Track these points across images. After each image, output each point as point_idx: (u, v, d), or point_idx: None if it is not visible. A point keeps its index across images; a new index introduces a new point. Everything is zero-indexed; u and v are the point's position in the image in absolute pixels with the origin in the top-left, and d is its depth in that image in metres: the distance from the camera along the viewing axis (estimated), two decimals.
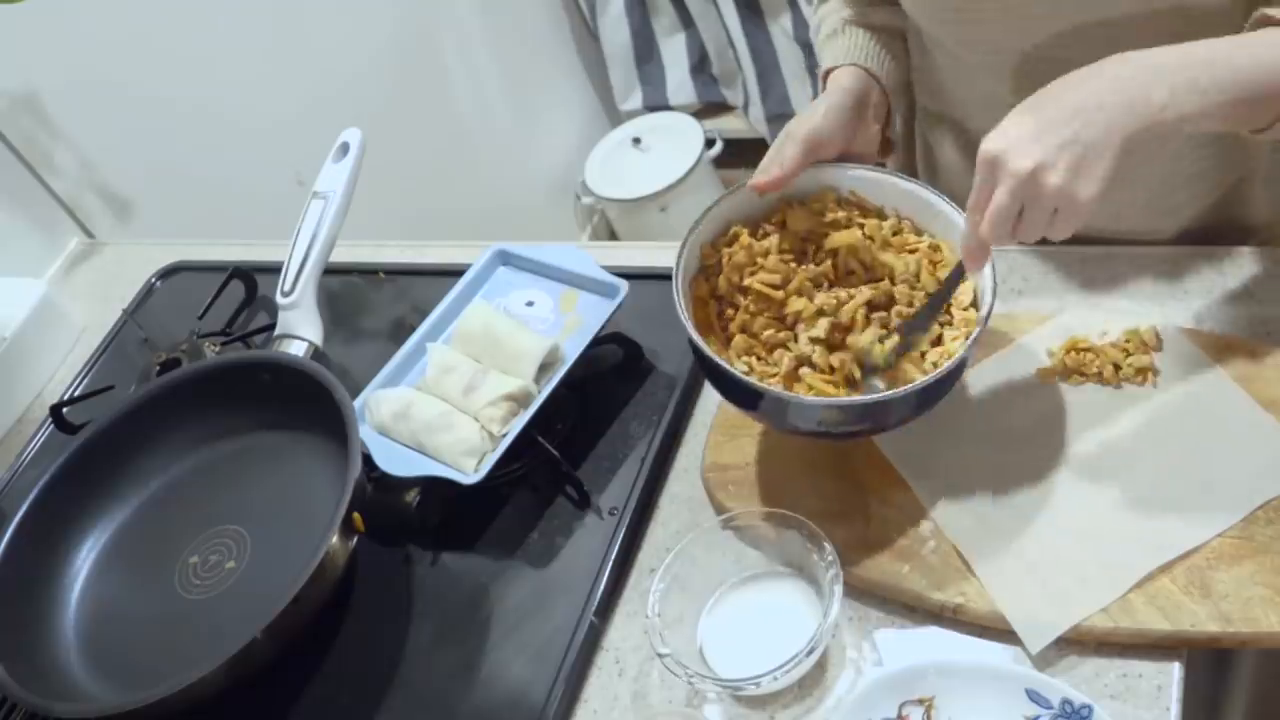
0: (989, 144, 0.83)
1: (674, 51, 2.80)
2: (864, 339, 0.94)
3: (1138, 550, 0.87)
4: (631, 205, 2.69)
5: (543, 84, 2.72)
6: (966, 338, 0.91)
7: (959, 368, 0.91)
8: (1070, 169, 0.80)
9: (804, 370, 0.94)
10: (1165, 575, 0.86)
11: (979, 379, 1.03)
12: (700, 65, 2.81)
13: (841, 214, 1.00)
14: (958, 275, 0.93)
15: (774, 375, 0.94)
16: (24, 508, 1.11)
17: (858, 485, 0.99)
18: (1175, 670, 0.83)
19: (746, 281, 0.97)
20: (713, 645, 0.94)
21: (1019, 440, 0.97)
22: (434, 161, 2.35)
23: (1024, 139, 0.82)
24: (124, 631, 1.08)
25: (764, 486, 1.00)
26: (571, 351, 1.13)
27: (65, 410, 1.32)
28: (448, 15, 2.39)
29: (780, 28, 2.59)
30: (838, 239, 0.98)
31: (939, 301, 0.95)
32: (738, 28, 2.61)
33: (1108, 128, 0.81)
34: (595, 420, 1.12)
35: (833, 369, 0.94)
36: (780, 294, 0.97)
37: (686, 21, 2.75)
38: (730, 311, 0.99)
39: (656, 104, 2.85)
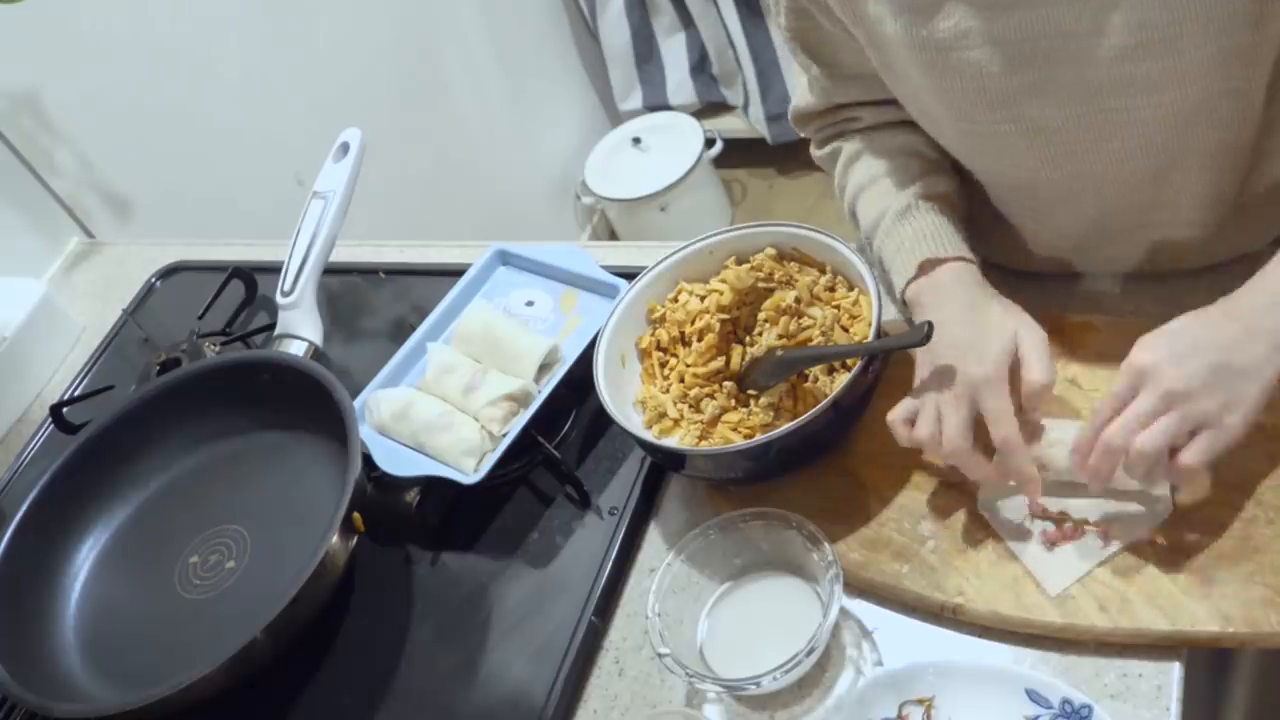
0: (1140, 356, 0.82)
1: (674, 51, 2.80)
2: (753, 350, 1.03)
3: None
4: (631, 205, 2.69)
5: (543, 84, 2.72)
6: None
7: (833, 409, 0.94)
8: (1223, 397, 0.80)
9: (723, 419, 1.02)
10: (1165, 575, 0.86)
11: None
12: (700, 65, 2.81)
13: (780, 271, 1.05)
14: (862, 355, 0.96)
15: (697, 423, 1.03)
16: (24, 508, 1.11)
17: (858, 485, 0.99)
18: (1175, 670, 0.83)
19: (688, 333, 1.06)
20: (713, 645, 0.94)
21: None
22: (434, 161, 2.35)
23: (1179, 355, 0.81)
24: (124, 631, 1.08)
25: (764, 487, 1.00)
26: (571, 351, 1.13)
27: (65, 410, 1.32)
28: (448, 15, 2.39)
29: (780, 28, 2.58)
30: (770, 302, 1.04)
31: (824, 358, 0.99)
32: (738, 28, 2.61)
33: (1259, 362, 0.80)
34: (595, 420, 1.12)
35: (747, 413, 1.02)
36: (708, 365, 1.04)
37: (686, 21, 2.75)
38: (672, 361, 1.07)
39: (656, 104, 2.85)
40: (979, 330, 0.92)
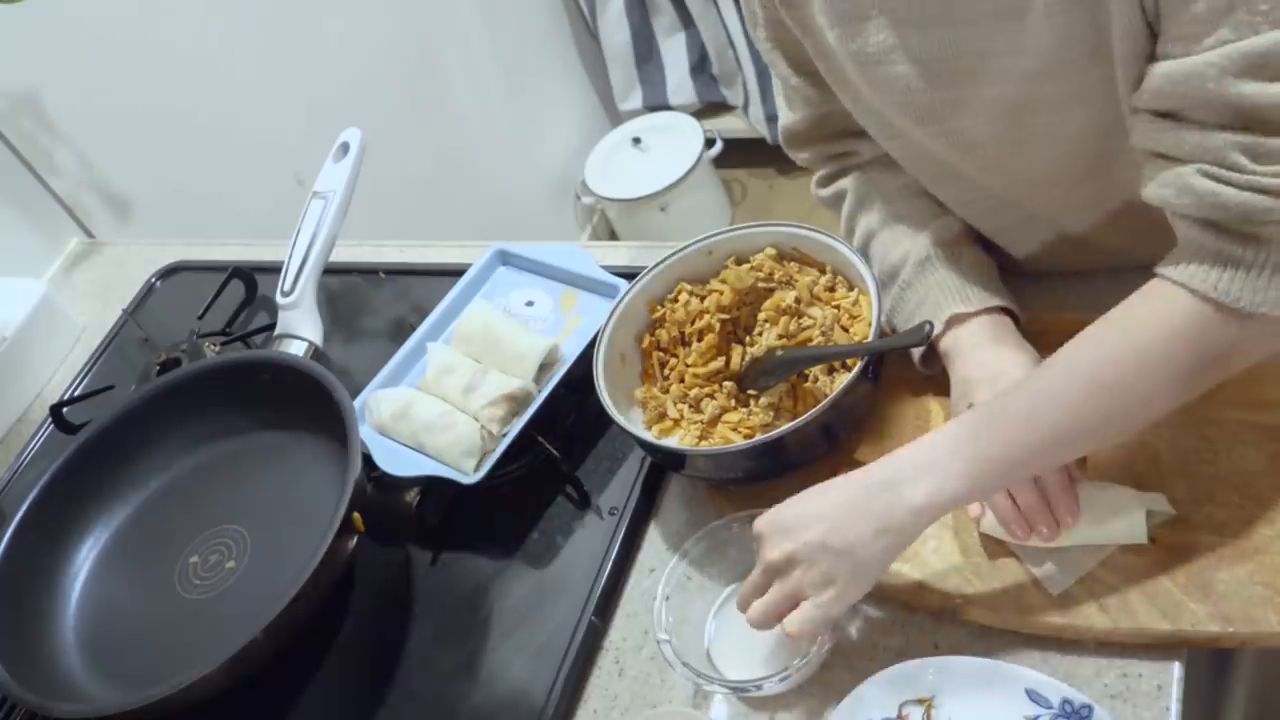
0: (755, 526, 0.87)
1: (674, 51, 2.80)
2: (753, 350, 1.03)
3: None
4: (631, 205, 2.69)
5: (543, 84, 2.72)
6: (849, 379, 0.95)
7: (833, 409, 0.94)
8: (818, 575, 0.84)
9: (723, 419, 1.02)
10: (1165, 575, 0.86)
11: None
12: (700, 65, 2.81)
13: (780, 271, 1.05)
14: (862, 355, 0.96)
15: (697, 423, 1.03)
16: (24, 508, 1.11)
17: None
18: (1175, 670, 0.83)
19: (688, 333, 1.06)
20: (718, 647, 0.94)
21: None
22: (434, 161, 2.35)
23: (785, 530, 0.85)
24: (124, 631, 1.08)
25: (764, 487, 1.00)
26: (571, 351, 1.13)
27: (65, 410, 1.32)
28: (448, 15, 2.39)
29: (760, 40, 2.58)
30: (770, 302, 1.04)
31: (824, 358, 0.99)
32: (738, 28, 2.61)
33: (860, 542, 0.83)
34: (595, 420, 1.12)
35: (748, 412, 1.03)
36: (708, 365, 1.05)
37: (686, 21, 2.75)
38: (672, 361, 1.07)
39: (656, 104, 2.85)
40: (1007, 365, 0.94)
